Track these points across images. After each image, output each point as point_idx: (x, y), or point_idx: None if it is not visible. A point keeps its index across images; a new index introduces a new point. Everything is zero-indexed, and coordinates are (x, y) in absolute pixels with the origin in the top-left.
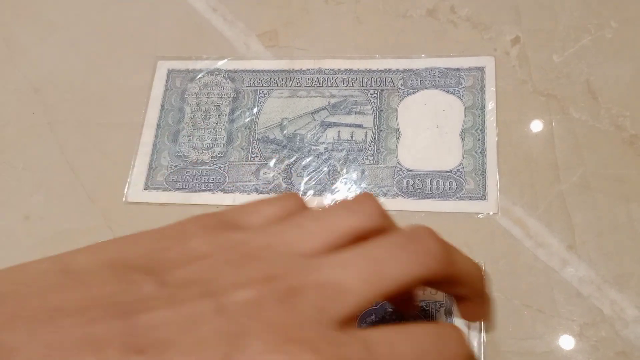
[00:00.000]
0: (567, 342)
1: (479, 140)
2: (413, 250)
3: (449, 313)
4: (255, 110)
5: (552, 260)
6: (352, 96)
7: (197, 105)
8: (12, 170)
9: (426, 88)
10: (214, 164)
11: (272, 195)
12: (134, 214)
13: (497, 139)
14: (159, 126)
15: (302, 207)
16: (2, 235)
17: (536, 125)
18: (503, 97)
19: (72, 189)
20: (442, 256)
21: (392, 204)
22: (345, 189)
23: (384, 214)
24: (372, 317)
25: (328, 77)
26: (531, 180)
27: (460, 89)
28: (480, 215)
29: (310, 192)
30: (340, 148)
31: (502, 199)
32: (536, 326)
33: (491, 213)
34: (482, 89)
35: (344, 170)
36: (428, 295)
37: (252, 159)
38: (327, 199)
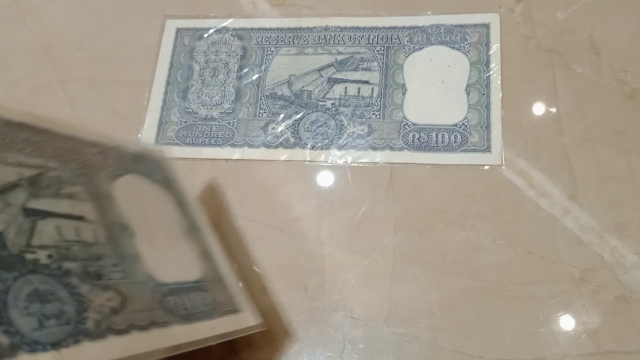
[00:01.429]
0: (568, 286)
1: (483, 94)
2: None
3: None
4: (263, 68)
5: (554, 209)
6: (358, 53)
7: (206, 63)
8: None
9: (432, 44)
10: (222, 120)
11: (280, 149)
12: None
13: (501, 93)
14: (168, 83)
15: None
16: None
17: (539, 80)
18: (507, 52)
19: None
20: None
21: (399, 157)
22: (353, 143)
23: None
24: None
25: (335, 35)
26: (534, 133)
27: (466, 45)
28: (485, 167)
29: (319, 145)
30: (347, 104)
31: (506, 151)
32: (538, 272)
33: (495, 165)
34: (487, 45)
35: (351, 125)
36: None
37: (260, 114)
38: (333, 154)
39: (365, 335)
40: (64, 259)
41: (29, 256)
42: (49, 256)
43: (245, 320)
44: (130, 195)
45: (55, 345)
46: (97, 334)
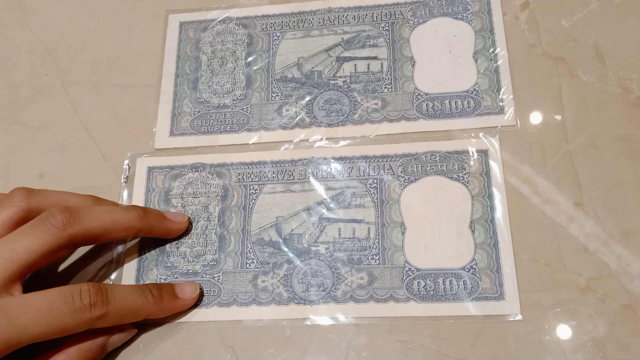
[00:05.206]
0: (574, 295)
1: (491, 60)
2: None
3: None
4: (270, 53)
5: (559, 216)
6: (364, 31)
7: (213, 53)
8: (27, 130)
9: (435, 17)
10: (236, 106)
11: (296, 130)
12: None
13: (507, 54)
14: (177, 75)
15: None
16: None
17: (545, 87)
18: (513, 59)
19: (86, 148)
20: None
21: (415, 127)
22: (368, 117)
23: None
24: None
25: (339, 15)
26: (539, 140)
27: (469, 14)
28: (500, 126)
29: (335, 123)
30: (358, 80)
31: (510, 157)
32: (543, 280)
33: (510, 125)
34: (489, 12)
35: (365, 100)
36: None
37: (273, 98)
38: (350, 130)
39: (369, 343)
40: (336, 251)
41: (313, 248)
42: (327, 248)
43: (501, 308)
44: (421, 196)
45: (311, 302)
46: (341, 300)
